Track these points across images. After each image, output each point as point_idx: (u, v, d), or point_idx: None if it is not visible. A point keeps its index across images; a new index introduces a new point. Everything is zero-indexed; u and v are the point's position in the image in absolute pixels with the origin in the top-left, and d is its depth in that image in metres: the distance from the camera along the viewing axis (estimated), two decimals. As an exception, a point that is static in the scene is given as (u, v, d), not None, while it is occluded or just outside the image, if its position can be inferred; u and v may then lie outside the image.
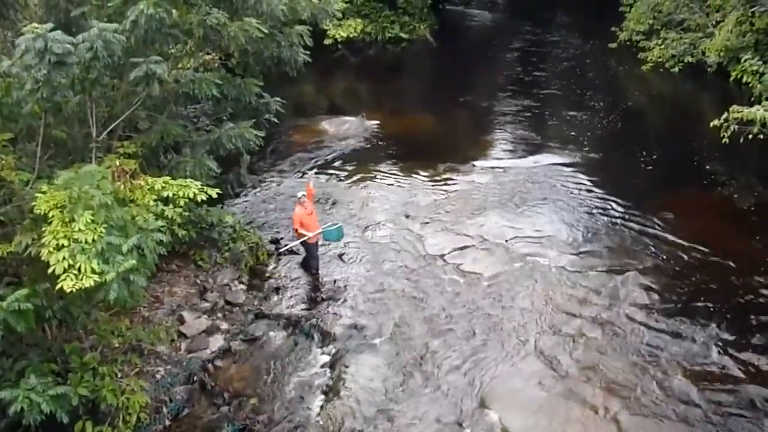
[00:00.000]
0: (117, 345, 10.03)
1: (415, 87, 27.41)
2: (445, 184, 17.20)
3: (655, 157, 18.48)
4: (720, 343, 10.91)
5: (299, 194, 13.28)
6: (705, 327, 11.31)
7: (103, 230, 7.57)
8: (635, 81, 26.44)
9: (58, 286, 7.28)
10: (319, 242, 13.42)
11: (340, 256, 13.83)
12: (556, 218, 15.18)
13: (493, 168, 18.22)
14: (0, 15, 10.87)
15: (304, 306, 12.48)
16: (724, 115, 13.20)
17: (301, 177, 17.83)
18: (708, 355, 10.68)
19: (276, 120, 14.85)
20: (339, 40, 29.65)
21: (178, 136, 11.87)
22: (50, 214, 7.74)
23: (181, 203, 8.75)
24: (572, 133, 20.72)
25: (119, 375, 9.61)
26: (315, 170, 18.08)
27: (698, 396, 9.87)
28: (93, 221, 7.58)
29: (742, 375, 10.25)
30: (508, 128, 21.64)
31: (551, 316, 11.74)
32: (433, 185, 17.19)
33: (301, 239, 13.07)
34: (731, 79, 21.95)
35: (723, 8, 23.79)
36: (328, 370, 10.77)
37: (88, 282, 7.23)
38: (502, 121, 22.26)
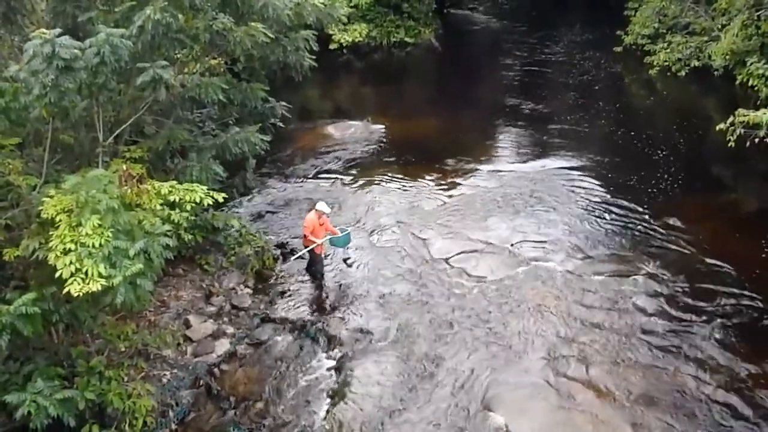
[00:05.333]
0: (123, 349, 10.07)
1: (421, 91, 27.42)
2: (451, 188, 17.21)
3: (661, 161, 18.44)
4: (729, 349, 10.86)
5: (319, 206, 12.95)
6: (713, 332, 11.27)
7: (110, 234, 7.60)
8: (641, 85, 26.41)
9: (65, 290, 7.31)
10: (325, 249, 13.43)
11: (346, 260, 13.81)
12: (561, 222, 15.16)
13: (498, 172, 18.21)
14: (7, 20, 10.92)
15: (309, 310, 12.50)
16: (730, 119, 13.17)
17: (306, 180, 17.92)
18: (717, 361, 10.64)
19: (282, 124, 14.91)
20: (344, 44, 29.72)
21: (185, 141, 11.90)
22: (57, 219, 7.76)
23: (188, 207, 8.74)
24: (578, 137, 20.69)
25: (125, 379, 9.63)
26: (320, 175, 18.18)
27: (707, 401, 9.84)
28: (100, 225, 7.61)
29: (752, 380, 10.22)
30: (513, 132, 21.62)
31: (557, 321, 11.71)
32: (438, 189, 17.19)
33: (310, 246, 13.03)
34: (737, 82, 21.91)
35: (728, 12, 23.73)
36: (333, 374, 10.79)
37: (95, 286, 7.25)
38: (507, 125, 22.23)
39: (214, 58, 12.97)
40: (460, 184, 17.47)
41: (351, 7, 27.99)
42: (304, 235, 13.04)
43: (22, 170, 8.81)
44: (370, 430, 9.60)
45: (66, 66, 8.11)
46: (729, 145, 13.28)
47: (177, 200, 8.66)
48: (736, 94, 21.68)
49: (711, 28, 24.74)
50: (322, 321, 12.01)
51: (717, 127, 13.51)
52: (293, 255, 13.82)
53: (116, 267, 7.49)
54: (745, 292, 12.28)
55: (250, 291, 12.96)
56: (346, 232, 13.47)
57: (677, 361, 10.64)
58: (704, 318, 11.63)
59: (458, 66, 29.48)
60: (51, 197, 8.01)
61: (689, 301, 12.13)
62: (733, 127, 13.13)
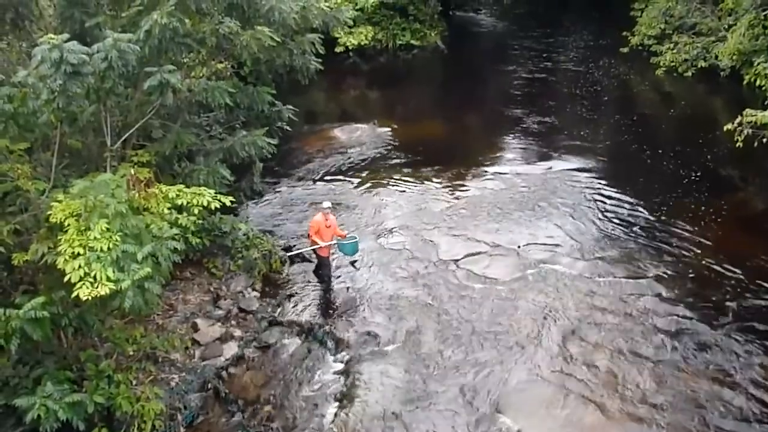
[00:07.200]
0: (132, 353, 10.07)
1: (427, 94, 27.38)
2: (458, 190, 17.18)
3: (668, 162, 18.37)
4: (738, 350, 10.81)
5: (324, 204, 13.17)
6: (721, 334, 11.22)
7: (118, 238, 7.63)
8: (648, 85, 26.32)
9: (73, 294, 7.33)
10: (332, 251, 13.43)
11: (353, 263, 13.81)
12: (569, 224, 15.11)
13: (505, 174, 18.18)
14: (15, 26, 10.99)
15: (317, 313, 12.49)
16: (738, 119, 13.12)
17: (313, 184, 17.94)
18: (726, 363, 10.59)
19: (288, 128, 14.91)
20: (350, 47, 29.69)
21: (192, 145, 11.94)
22: (66, 223, 7.80)
23: (195, 211, 8.78)
24: (585, 139, 20.62)
25: (134, 382, 9.63)
26: (327, 178, 18.20)
27: (716, 403, 9.79)
28: (108, 229, 7.64)
29: (759, 382, 10.16)
30: (520, 134, 21.56)
31: (566, 323, 11.68)
32: (445, 191, 17.17)
33: (313, 246, 13.06)
34: (744, 82, 21.83)
35: (735, 12, 23.67)
36: (341, 377, 10.77)
37: (103, 290, 7.27)
38: (514, 126, 22.16)
39: (221, 62, 13.01)
40: (467, 186, 17.45)
41: (356, 10, 27.98)
42: (309, 235, 13.07)
43: (31, 175, 8.85)
44: (379, 433, 9.60)
45: (74, 71, 8.15)
46: (737, 145, 13.21)
47: (184, 204, 8.70)
48: (743, 95, 21.58)
49: (717, 29, 24.67)
50: (330, 324, 12.00)
51: (725, 128, 13.46)
52: (298, 256, 13.83)
53: (124, 271, 7.52)
54: (755, 293, 12.22)
55: (257, 294, 12.97)
56: (355, 240, 13.40)
57: (687, 364, 10.59)
58: (714, 320, 11.56)
59: (464, 68, 29.43)
60: (59, 202, 8.04)
61: (698, 303, 12.07)
62: (740, 128, 13.07)
